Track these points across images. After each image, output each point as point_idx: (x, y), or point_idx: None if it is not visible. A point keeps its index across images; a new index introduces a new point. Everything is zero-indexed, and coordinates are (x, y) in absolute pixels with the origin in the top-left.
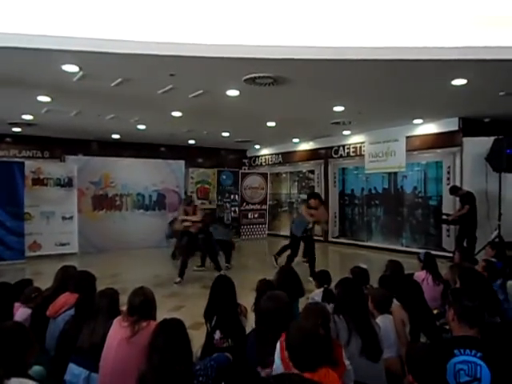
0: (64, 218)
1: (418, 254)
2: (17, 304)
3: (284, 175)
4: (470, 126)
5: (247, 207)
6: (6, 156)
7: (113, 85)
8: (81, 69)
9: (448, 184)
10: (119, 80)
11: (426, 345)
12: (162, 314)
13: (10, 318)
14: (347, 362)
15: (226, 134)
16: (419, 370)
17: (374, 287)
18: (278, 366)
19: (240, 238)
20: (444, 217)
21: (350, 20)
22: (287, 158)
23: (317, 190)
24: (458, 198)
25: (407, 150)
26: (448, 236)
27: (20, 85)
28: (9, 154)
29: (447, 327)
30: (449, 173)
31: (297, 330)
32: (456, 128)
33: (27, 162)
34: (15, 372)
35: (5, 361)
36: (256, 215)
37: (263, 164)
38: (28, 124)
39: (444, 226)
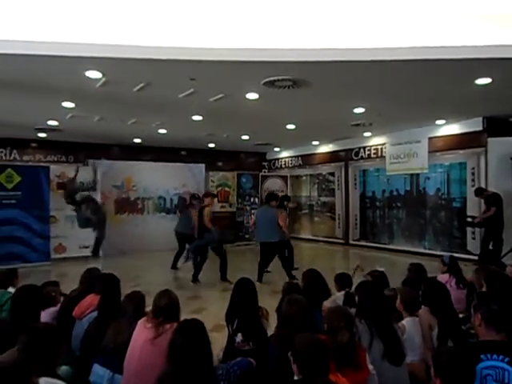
0: None
1: (441, 256)
2: None
3: (304, 178)
4: (495, 126)
5: None
6: (32, 161)
7: (135, 90)
8: (104, 75)
9: (473, 185)
10: (141, 85)
11: (454, 348)
12: (183, 316)
13: (37, 320)
14: (371, 367)
15: (245, 137)
16: (448, 374)
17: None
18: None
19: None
20: (469, 219)
21: (369, 21)
22: (307, 160)
23: (337, 192)
24: (482, 200)
25: (430, 151)
26: (473, 238)
27: (46, 91)
28: (34, 159)
29: (472, 332)
30: (473, 174)
31: (301, 342)
32: (480, 128)
33: (52, 167)
34: (45, 371)
35: (36, 360)
36: None
37: (283, 167)
38: (53, 129)
39: (469, 229)
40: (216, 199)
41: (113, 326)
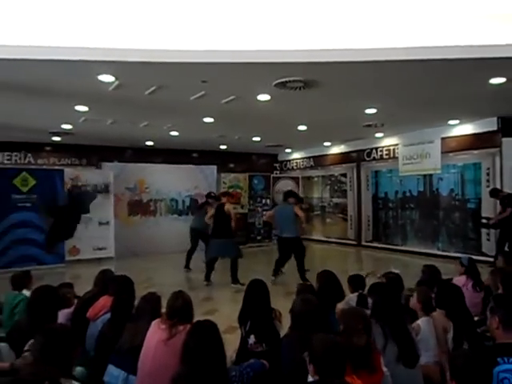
0: (101, 224)
1: (456, 258)
2: None
3: (316, 179)
4: (510, 126)
5: None
6: (46, 164)
7: (147, 93)
8: (116, 78)
9: (487, 186)
10: (153, 88)
11: (470, 351)
12: (195, 318)
13: (54, 321)
14: (385, 369)
15: (257, 139)
16: (464, 377)
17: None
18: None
19: (272, 242)
20: (484, 220)
21: (381, 21)
22: (319, 161)
23: (349, 193)
24: (498, 201)
25: (443, 152)
26: (488, 240)
27: (59, 95)
28: (49, 163)
29: (488, 334)
30: (488, 174)
31: (318, 342)
32: (495, 128)
33: (66, 170)
34: (62, 372)
35: (52, 361)
36: None
37: (294, 168)
38: (67, 133)
39: (484, 230)
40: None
41: (129, 327)
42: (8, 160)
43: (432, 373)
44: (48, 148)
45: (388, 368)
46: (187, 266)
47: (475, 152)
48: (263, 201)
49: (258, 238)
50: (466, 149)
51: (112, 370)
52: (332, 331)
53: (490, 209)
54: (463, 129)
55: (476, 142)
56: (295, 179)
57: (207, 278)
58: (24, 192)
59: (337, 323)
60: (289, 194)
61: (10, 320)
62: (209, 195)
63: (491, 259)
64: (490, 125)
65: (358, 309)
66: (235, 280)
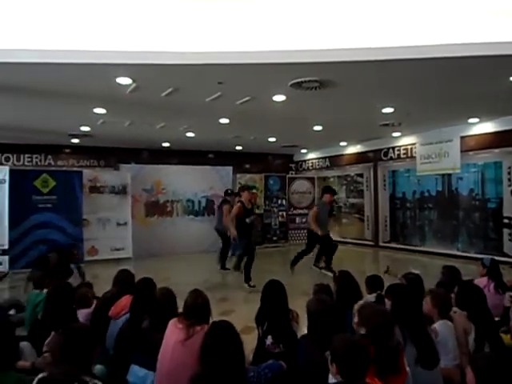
0: (119, 224)
1: (476, 259)
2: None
3: (332, 179)
4: None
5: (295, 212)
6: (66, 166)
7: (163, 95)
8: (134, 81)
9: (509, 185)
10: (169, 90)
11: (493, 353)
12: (212, 318)
13: (74, 319)
14: (408, 369)
15: (272, 139)
16: (487, 379)
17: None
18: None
19: (288, 243)
20: (506, 220)
21: (397, 19)
22: (335, 161)
23: (366, 193)
24: None
25: (462, 151)
26: (510, 240)
27: (78, 98)
28: (68, 164)
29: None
30: (509, 173)
31: (340, 342)
32: None
33: (85, 171)
34: (82, 371)
35: (72, 360)
36: (304, 220)
37: (310, 168)
38: (85, 135)
39: (505, 230)
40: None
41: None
42: (29, 162)
43: (452, 375)
44: (67, 150)
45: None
46: (223, 267)
47: (496, 151)
48: (279, 201)
49: (274, 238)
50: (487, 147)
51: (136, 370)
52: (349, 332)
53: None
54: (483, 127)
55: (496, 140)
56: (311, 179)
57: (247, 276)
58: (44, 193)
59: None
60: (323, 191)
61: (32, 319)
62: (226, 193)
63: None
64: (510, 123)
65: (383, 309)
66: (246, 279)
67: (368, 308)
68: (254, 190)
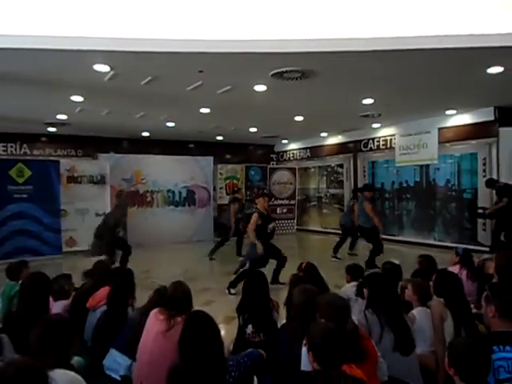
0: (97, 215)
1: (451, 248)
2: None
3: (312, 170)
4: (507, 116)
5: (276, 202)
6: (42, 155)
7: (143, 83)
8: (112, 68)
9: (484, 176)
10: (149, 78)
11: (470, 339)
12: (193, 309)
13: (46, 309)
14: (379, 355)
15: (253, 130)
16: (464, 365)
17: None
18: (305, 365)
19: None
20: (480, 210)
21: (376, 11)
22: (315, 152)
23: (346, 184)
24: (494, 191)
25: (440, 142)
26: (484, 230)
27: (55, 85)
28: (44, 153)
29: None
30: (484, 165)
31: (318, 329)
32: (492, 118)
33: (62, 161)
34: (59, 363)
35: (50, 352)
36: (285, 210)
37: (291, 159)
38: (62, 123)
39: (479, 220)
40: (224, 192)
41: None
42: (3, 151)
43: (428, 361)
44: (44, 139)
45: (385, 357)
46: (211, 257)
47: (472, 142)
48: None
49: None
50: (463, 139)
51: (115, 355)
52: None
53: (486, 199)
54: (460, 119)
55: (473, 131)
56: (292, 170)
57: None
58: (20, 183)
59: None
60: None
61: (7, 311)
62: (234, 190)
63: (487, 249)
64: (486, 115)
65: (338, 297)
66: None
67: (323, 299)
68: (235, 181)
